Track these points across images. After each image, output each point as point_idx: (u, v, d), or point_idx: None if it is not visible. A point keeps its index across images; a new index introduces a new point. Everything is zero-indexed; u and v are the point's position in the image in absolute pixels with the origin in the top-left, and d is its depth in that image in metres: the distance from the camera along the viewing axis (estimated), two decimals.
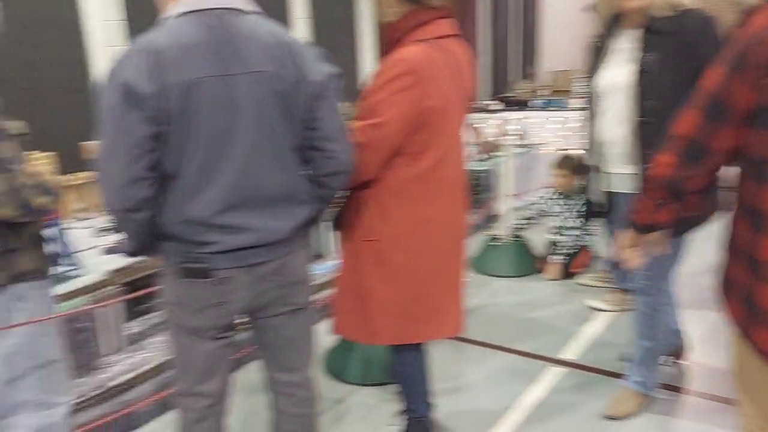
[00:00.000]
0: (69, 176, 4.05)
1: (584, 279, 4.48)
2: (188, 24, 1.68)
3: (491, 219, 5.39)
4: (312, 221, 1.99)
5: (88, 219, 4.17)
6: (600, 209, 2.80)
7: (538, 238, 5.02)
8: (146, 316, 3.50)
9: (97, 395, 2.83)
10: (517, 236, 4.89)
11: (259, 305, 1.92)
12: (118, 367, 3.05)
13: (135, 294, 2.88)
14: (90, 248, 3.60)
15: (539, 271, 4.70)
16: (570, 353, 3.46)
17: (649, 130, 2.39)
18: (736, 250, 1.46)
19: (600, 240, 4.30)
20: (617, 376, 3.10)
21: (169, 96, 1.63)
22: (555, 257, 4.62)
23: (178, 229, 1.78)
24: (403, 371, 2.48)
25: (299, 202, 1.89)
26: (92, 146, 4.52)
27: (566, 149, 5.82)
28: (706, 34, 2.29)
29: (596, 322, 3.85)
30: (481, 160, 5.93)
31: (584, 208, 4.52)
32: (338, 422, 2.88)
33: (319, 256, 4.30)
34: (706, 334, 3.48)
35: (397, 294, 2.23)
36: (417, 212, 2.16)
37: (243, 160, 1.75)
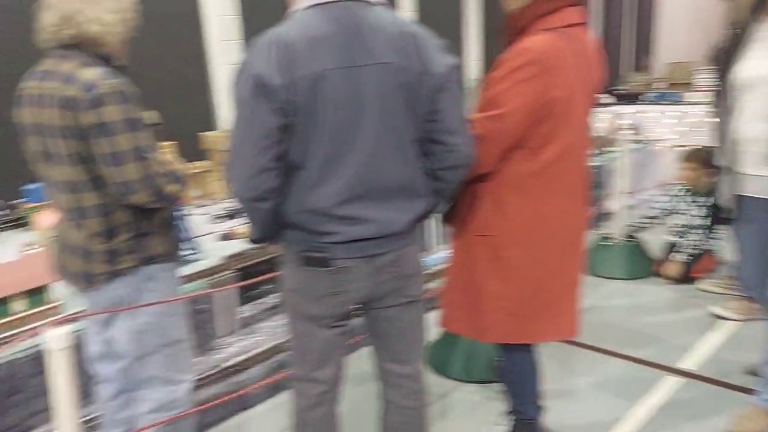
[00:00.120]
0: (188, 165, 4.26)
1: (706, 285, 4.19)
2: (316, 16, 1.71)
3: (603, 217, 5.16)
4: (427, 214, 1.97)
5: (205, 206, 4.39)
6: (728, 215, 2.58)
7: (654, 239, 4.75)
8: (258, 301, 3.63)
9: (212, 375, 2.97)
10: (632, 236, 4.65)
11: (376, 296, 1.93)
12: (232, 349, 3.19)
13: (254, 280, 2.98)
14: (207, 234, 3.79)
15: (655, 274, 4.44)
16: (689, 363, 3.25)
17: None
18: None
19: (726, 244, 4.01)
20: (742, 390, 2.87)
21: (297, 88, 1.66)
22: (677, 256, 4.34)
23: (301, 219, 1.81)
24: (512, 371, 2.42)
25: (417, 195, 1.88)
26: (210, 137, 4.74)
27: (685, 146, 5.47)
28: None
29: (719, 331, 3.59)
30: (593, 156, 5.70)
31: (712, 210, 4.22)
32: (442, 417, 2.86)
33: (424, 249, 4.29)
34: None
35: (511, 291, 2.17)
36: (535, 207, 2.09)
37: (366, 152, 1.76)
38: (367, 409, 2.80)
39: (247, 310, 3.53)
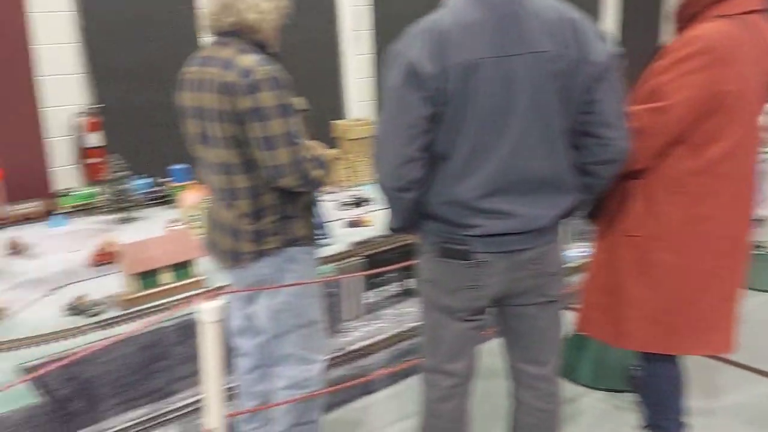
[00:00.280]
0: (331, 151, 4.36)
1: None
2: (471, 4, 1.67)
3: (758, 224, 4.73)
4: (573, 211, 1.88)
5: (334, 193, 4.50)
6: None
7: None
8: (382, 288, 3.68)
9: (338, 357, 3.04)
10: None
11: (513, 293, 1.87)
12: (357, 333, 3.25)
13: (386, 269, 3.00)
14: (335, 220, 3.88)
15: None
16: None
17: None
18: None
19: None
20: None
21: (449, 77, 1.63)
22: None
23: (442, 210, 1.79)
24: (653, 382, 2.27)
25: (564, 190, 1.80)
26: (340, 125, 4.84)
27: None
28: None
29: None
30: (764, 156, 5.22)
31: None
32: (570, 423, 2.74)
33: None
34: None
35: (658, 297, 2.03)
36: (693, 209, 1.93)
37: (513, 145, 1.70)
38: (493, 405, 2.73)
39: (372, 296, 3.58)
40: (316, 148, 2.09)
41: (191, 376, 2.75)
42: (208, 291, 2.46)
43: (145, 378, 2.62)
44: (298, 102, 2.03)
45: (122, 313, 2.71)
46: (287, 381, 2.25)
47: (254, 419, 2.38)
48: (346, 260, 3.32)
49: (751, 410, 2.81)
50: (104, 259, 3.22)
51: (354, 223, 3.88)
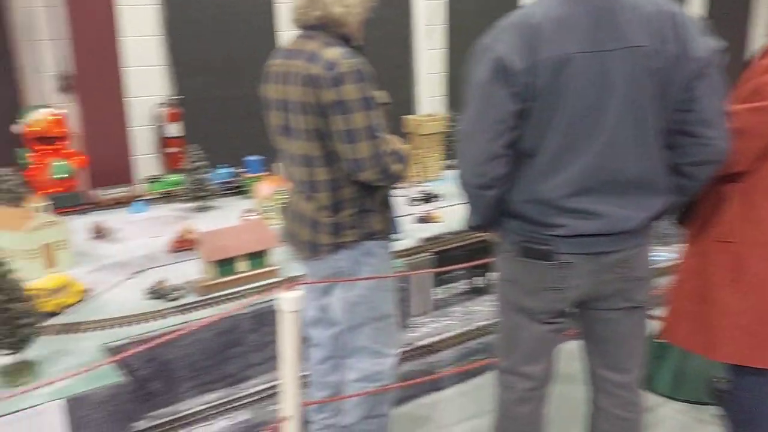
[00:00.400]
0: (409, 146, 4.35)
1: None
2: None
3: None
4: (665, 213, 1.80)
5: (404, 188, 4.49)
6: None
7: None
8: (450, 285, 3.65)
9: (406, 352, 3.03)
10: None
11: (597, 296, 1.81)
12: (425, 329, 3.24)
13: (463, 265, 2.97)
14: (405, 215, 3.87)
15: None
16: None
17: None
18: None
19: None
20: None
21: (539, 72, 1.59)
22: None
23: (525, 209, 1.75)
24: (742, 397, 2.14)
25: (655, 191, 1.72)
26: (411, 120, 4.82)
27: None
28: None
29: None
30: None
31: None
32: None
33: None
34: None
35: (753, 308, 1.92)
36: None
37: (605, 143, 1.64)
38: (569, 409, 2.64)
39: (440, 292, 3.56)
40: (395, 142, 2.08)
41: (263, 364, 2.81)
42: (287, 281, 2.50)
43: (220, 363, 2.69)
44: (380, 95, 2.03)
45: (200, 298, 2.79)
46: (359, 374, 2.26)
47: (325, 409, 2.40)
48: (415, 256, 3.31)
49: None
50: (183, 245, 3.33)
51: (423, 219, 3.86)
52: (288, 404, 1.93)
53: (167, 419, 2.50)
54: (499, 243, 1.91)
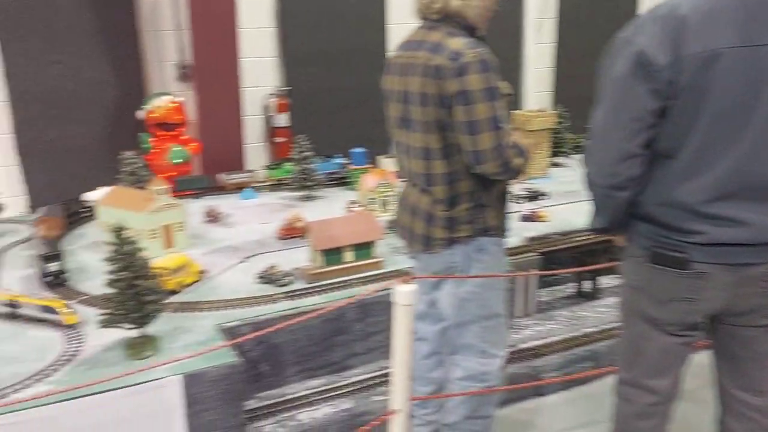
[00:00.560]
0: (530, 140, 4.24)
1: None
2: None
3: None
4: None
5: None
6: None
7: None
8: (556, 287, 3.53)
9: (510, 353, 2.96)
10: None
11: (735, 311, 1.68)
12: (528, 332, 3.15)
13: (576, 269, 2.86)
14: (510, 213, 3.78)
15: None
16: None
17: None
18: None
19: None
20: None
21: (683, 68, 1.48)
22: None
23: (659, 213, 1.65)
24: None
25: None
26: (517, 115, 4.68)
27: None
28: None
29: None
30: None
31: None
32: None
33: None
34: None
35: None
36: None
37: (752, 145, 1.51)
38: (691, 429, 2.47)
39: (545, 294, 3.45)
40: (517, 136, 2.02)
41: (366, 354, 2.83)
42: (398, 274, 2.50)
43: (324, 350, 2.73)
44: (504, 86, 1.97)
45: (308, 285, 2.85)
46: (464, 372, 2.22)
47: (428, 405, 2.38)
48: (520, 255, 3.21)
49: None
50: (291, 233, 3.41)
51: (528, 218, 3.75)
52: (397, 398, 1.92)
53: (274, 401, 2.57)
54: (625, 247, 1.82)
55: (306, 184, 4.14)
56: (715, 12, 1.48)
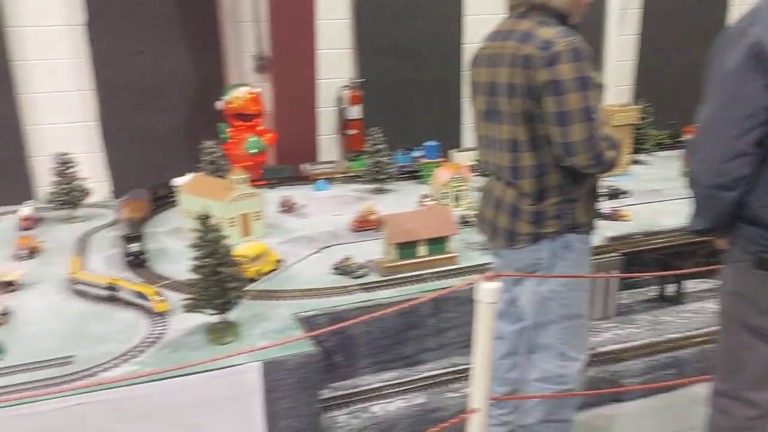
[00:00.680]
0: (621, 132, 4.09)
1: None
2: None
3: None
4: None
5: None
6: None
7: None
8: (637, 290, 3.39)
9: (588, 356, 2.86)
10: None
11: None
12: (607, 335, 3.04)
13: (669, 272, 2.73)
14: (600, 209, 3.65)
15: None
16: None
17: None
18: None
19: None
20: None
21: None
22: None
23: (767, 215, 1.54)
24: None
25: None
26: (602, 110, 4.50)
27: None
28: None
29: None
30: None
31: None
32: None
33: None
34: None
35: None
36: None
37: None
38: None
39: (625, 297, 3.32)
40: (608, 128, 1.94)
41: (438, 349, 2.80)
42: (478, 270, 2.46)
43: (397, 343, 2.72)
44: (597, 76, 1.89)
45: (382, 278, 2.84)
46: (542, 373, 2.15)
47: (503, 405, 2.33)
48: (602, 256, 3.10)
49: None
50: (364, 225, 3.41)
51: (609, 216, 3.61)
52: (477, 396, 1.88)
53: (348, 392, 2.57)
54: (727, 251, 1.71)
55: (378, 177, 4.13)
56: None
